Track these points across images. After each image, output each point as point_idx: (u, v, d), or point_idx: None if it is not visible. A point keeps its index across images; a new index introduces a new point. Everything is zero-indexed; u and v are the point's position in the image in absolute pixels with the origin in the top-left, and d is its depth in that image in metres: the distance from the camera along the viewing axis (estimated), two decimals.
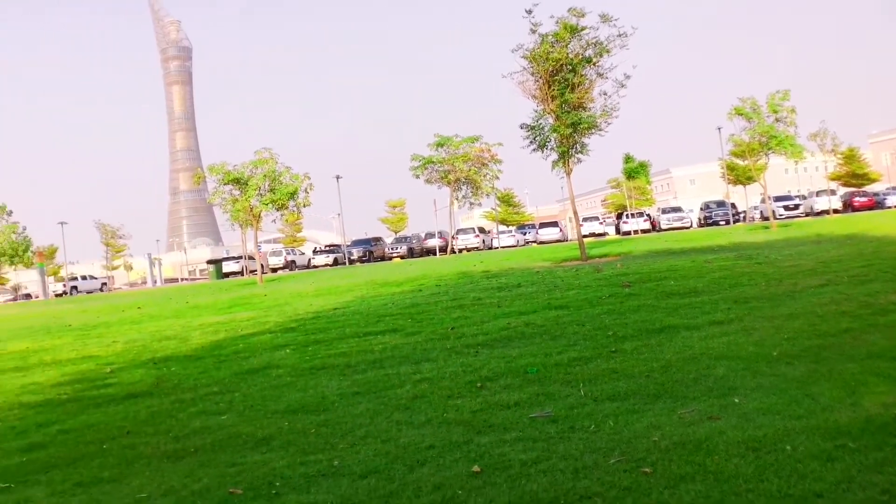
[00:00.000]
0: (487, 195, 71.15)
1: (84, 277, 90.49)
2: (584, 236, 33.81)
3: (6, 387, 12.59)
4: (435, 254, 71.42)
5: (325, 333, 15.00)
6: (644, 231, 69.90)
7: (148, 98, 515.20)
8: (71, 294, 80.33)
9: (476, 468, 5.71)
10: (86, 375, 12.94)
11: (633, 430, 6.30)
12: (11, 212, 74.85)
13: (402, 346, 12.22)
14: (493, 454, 6.04)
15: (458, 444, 6.42)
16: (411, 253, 74.92)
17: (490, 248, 72.90)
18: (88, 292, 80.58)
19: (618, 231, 75.20)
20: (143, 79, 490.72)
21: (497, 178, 68.50)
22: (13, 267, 79.17)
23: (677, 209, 77.52)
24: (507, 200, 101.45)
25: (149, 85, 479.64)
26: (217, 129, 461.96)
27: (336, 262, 74.11)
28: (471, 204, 71.62)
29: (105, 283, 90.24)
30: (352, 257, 74.36)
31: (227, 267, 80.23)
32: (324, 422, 7.79)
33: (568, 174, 31.40)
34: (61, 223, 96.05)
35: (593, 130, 30.10)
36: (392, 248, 77.55)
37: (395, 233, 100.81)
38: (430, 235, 79.75)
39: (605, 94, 30.21)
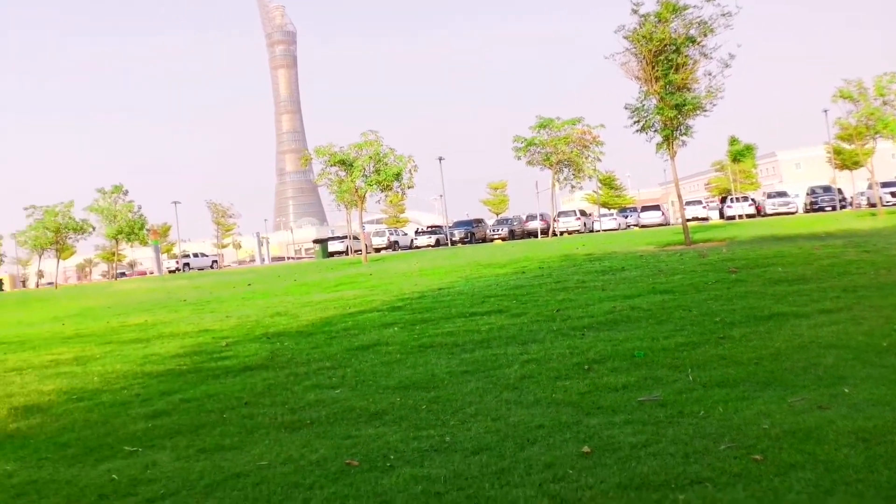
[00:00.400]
0: (589, 177, 70.29)
1: (196, 255, 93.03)
2: (688, 220, 33.13)
3: (129, 357, 13.14)
4: (536, 236, 71.12)
5: (431, 313, 15.14)
6: (749, 216, 68.22)
7: (255, 81, 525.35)
8: (183, 270, 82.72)
9: (586, 449, 5.71)
10: (203, 348, 13.40)
11: (742, 416, 6.22)
12: (127, 191, 77.12)
13: (509, 327, 12.24)
14: (603, 436, 6.04)
15: (568, 425, 6.43)
16: (512, 235, 74.66)
17: (591, 231, 72.23)
18: (200, 269, 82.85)
19: (721, 215, 73.53)
20: (249, 63, 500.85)
21: (599, 160, 67.49)
22: (130, 244, 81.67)
23: (783, 194, 75.33)
24: (608, 183, 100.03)
25: (255, 69, 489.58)
26: (322, 112, 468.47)
27: (438, 243, 74.38)
28: (572, 186, 70.89)
29: (215, 261, 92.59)
30: (453, 238, 74.52)
31: (333, 246, 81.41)
32: (434, 398, 7.89)
33: (672, 156, 30.86)
34: (174, 202, 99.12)
35: (698, 112, 29.52)
36: (493, 230, 77.36)
37: (497, 214, 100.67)
38: (531, 217, 79.35)
39: (709, 74, 29.54)
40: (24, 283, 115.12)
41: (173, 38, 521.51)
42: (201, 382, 10.05)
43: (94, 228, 76.43)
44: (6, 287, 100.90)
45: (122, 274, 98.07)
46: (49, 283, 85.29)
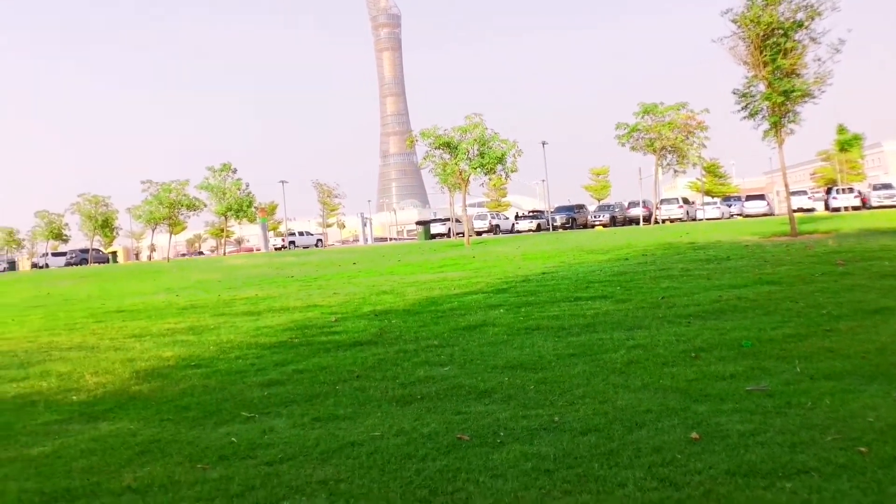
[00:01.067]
0: (693, 165, 68.91)
1: (301, 233, 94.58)
2: (793, 211, 32.24)
3: (242, 328, 13.52)
4: (638, 223, 70.19)
5: (535, 296, 15.15)
6: (854, 208, 65.80)
7: (360, 64, 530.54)
8: (289, 248, 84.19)
9: (694, 435, 5.68)
10: (313, 322, 13.69)
11: (848, 409, 6.08)
12: (236, 169, 78.89)
13: (614, 313, 12.17)
14: (710, 423, 5.99)
15: (675, 411, 6.39)
16: (613, 222, 73.75)
17: (693, 220, 70.82)
18: (304, 247, 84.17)
19: (826, 207, 71.07)
20: (355, 46, 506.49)
21: (703, 146, 66.16)
22: (238, 221, 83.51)
23: (888, 186, 72.43)
24: (712, 171, 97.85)
25: (360, 52, 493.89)
26: (425, 94, 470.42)
27: (539, 228, 74.10)
28: (675, 172, 69.65)
29: (320, 240, 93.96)
30: (555, 224, 74.10)
31: (435, 228, 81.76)
32: (542, 379, 7.90)
33: (780, 144, 30.08)
34: (282, 182, 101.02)
35: (806, 99, 28.66)
36: (595, 216, 76.59)
37: (598, 200, 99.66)
38: (633, 204, 78.28)
39: (818, 60, 28.65)
40: (136, 255, 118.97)
41: (280, 24, 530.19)
42: (313, 355, 10.28)
43: (205, 205, 78.46)
44: (120, 259, 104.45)
45: (230, 250, 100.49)
46: (164, 258, 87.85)
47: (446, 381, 8.10)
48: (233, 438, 6.48)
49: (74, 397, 8.71)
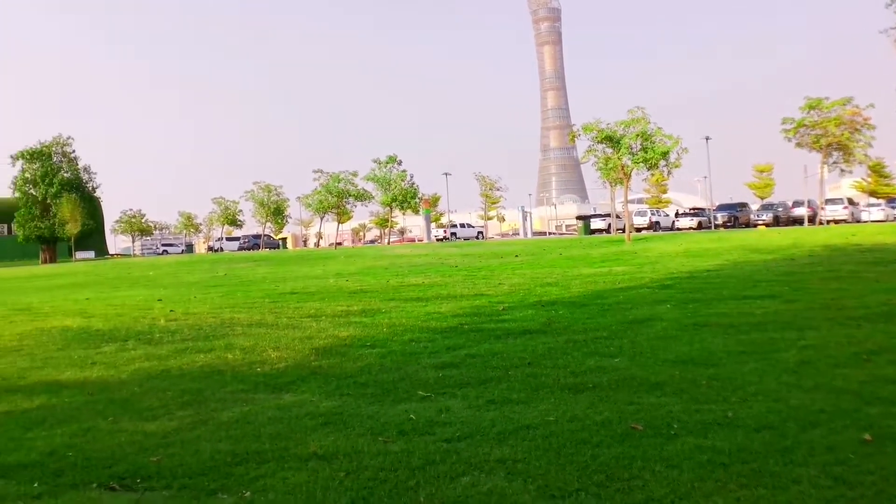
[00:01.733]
0: (860, 163, 65.38)
1: (462, 225, 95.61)
2: None
3: (412, 313, 13.82)
4: (801, 223, 67.43)
5: (701, 293, 14.84)
6: None
7: (521, 58, 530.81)
8: (450, 239, 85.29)
9: (867, 436, 5.51)
10: (481, 310, 13.84)
11: None
12: (401, 161, 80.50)
13: (783, 312, 11.79)
14: (883, 425, 5.79)
15: (848, 412, 6.19)
16: (777, 221, 71.07)
17: (857, 222, 67.38)
18: (465, 239, 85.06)
19: None
20: (515, 40, 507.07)
21: (870, 145, 62.66)
22: (402, 212, 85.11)
23: None
24: (877, 170, 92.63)
25: (521, 45, 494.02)
26: (586, 88, 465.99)
27: (700, 226, 72.26)
28: (842, 170, 66.23)
29: (481, 232, 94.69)
30: (716, 222, 72.19)
31: (595, 224, 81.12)
32: (713, 375, 7.75)
33: None
34: (445, 174, 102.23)
35: None
36: (757, 215, 73.94)
37: (761, 199, 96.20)
38: (797, 204, 75.09)
39: None
40: (304, 242, 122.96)
41: (441, 19, 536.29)
42: (484, 341, 10.41)
43: (372, 196, 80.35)
44: (289, 245, 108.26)
45: (393, 240, 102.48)
46: (331, 244, 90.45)
47: (617, 373, 8.05)
48: (411, 415, 6.65)
49: (258, 369, 9.15)
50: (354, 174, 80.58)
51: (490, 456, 5.50)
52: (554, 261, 28.11)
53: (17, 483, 5.48)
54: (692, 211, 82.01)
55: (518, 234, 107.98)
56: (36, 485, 5.41)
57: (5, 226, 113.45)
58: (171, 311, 16.06)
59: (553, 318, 12.23)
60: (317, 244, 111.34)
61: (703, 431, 5.87)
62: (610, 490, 4.81)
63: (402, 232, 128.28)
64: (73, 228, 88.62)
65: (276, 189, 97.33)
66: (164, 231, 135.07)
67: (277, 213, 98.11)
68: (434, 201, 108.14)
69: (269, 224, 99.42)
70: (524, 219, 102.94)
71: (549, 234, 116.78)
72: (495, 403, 6.98)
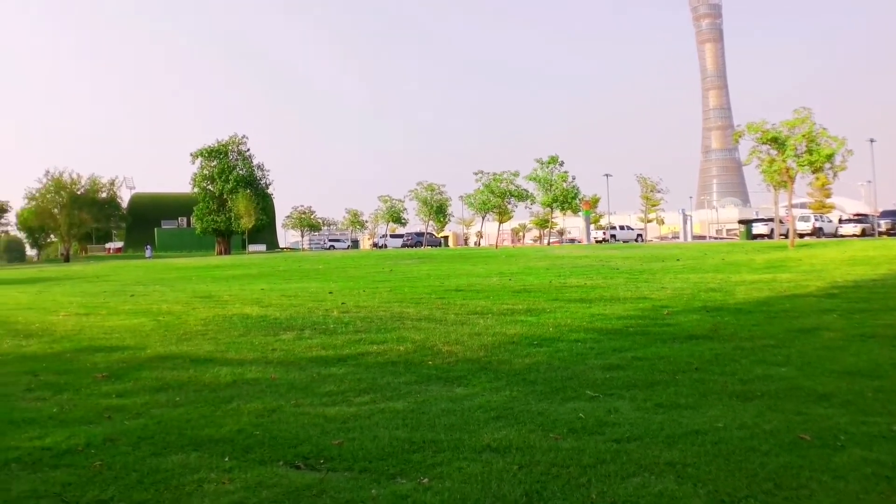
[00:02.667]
0: None
1: (622, 227, 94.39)
2: None
3: (576, 314, 13.85)
4: None
5: (867, 303, 14.33)
6: None
7: (680, 56, 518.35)
8: (610, 241, 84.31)
9: None
10: (645, 314, 13.74)
11: None
12: (563, 162, 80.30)
13: None
14: None
15: None
16: None
17: None
18: (625, 241, 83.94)
19: None
20: (675, 37, 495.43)
21: None
22: (562, 213, 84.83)
23: None
24: None
25: (681, 43, 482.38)
26: (748, 87, 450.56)
27: (863, 233, 68.66)
28: None
29: (640, 235, 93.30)
30: (879, 229, 68.48)
31: (756, 228, 78.50)
32: (879, 387, 7.53)
33: None
34: (606, 175, 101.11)
35: None
36: None
37: None
38: None
39: None
40: (465, 241, 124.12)
41: (601, 19, 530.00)
42: (650, 344, 10.36)
43: (533, 196, 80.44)
44: (450, 243, 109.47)
45: (552, 241, 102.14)
46: (491, 244, 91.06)
47: (784, 382, 7.90)
48: (580, 414, 6.73)
49: (430, 362, 9.42)
50: (515, 174, 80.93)
51: (660, 459, 5.52)
52: (716, 265, 27.47)
53: (210, 456, 5.87)
54: (856, 217, 78.21)
55: (678, 237, 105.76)
56: (227, 459, 5.78)
57: (185, 219, 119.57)
58: (343, 303, 16.62)
59: (719, 324, 12.02)
60: (477, 243, 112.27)
61: (868, 443, 5.77)
62: (778, 498, 4.79)
63: (561, 233, 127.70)
64: (247, 223, 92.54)
65: (439, 188, 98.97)
66: (331, 227, 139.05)
67: (440, 211, 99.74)
68: (594, 202, 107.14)
69: (431, 222, 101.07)
70: (684, 222, 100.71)
71: (710, 238, 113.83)
72: (663, 407, 6.98)
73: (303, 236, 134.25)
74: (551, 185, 79.58)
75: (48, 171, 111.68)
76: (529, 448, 5.82)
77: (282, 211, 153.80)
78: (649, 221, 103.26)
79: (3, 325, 14.09)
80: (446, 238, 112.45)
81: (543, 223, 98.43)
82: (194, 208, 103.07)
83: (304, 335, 11.95)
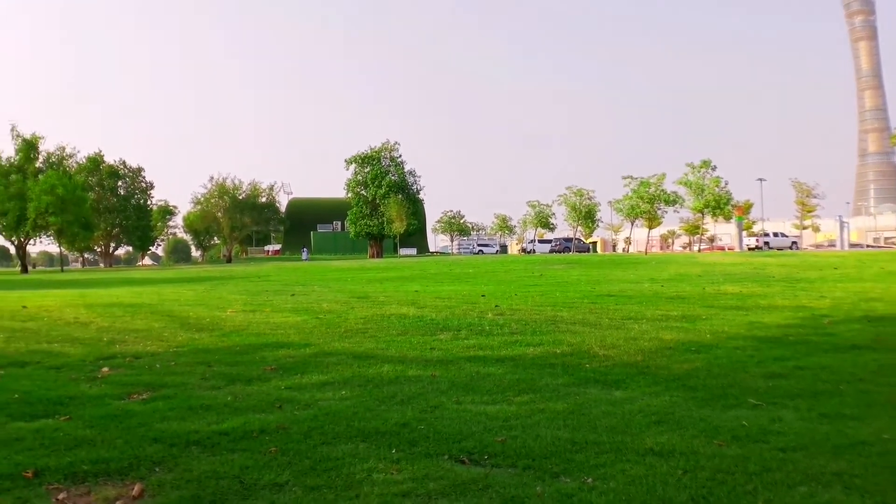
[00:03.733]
0: None
1: (776, 234, 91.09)
2: None
3: (733, 321, 13.57)
4: None
5: None
6: None
7: (834, 54, 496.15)
8: (763, 249, 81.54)
9: None
10: (804, 322, 13.34)
11: None
12: (715, 166, 78.15)
13: None
14: None
15: None
16: None
17: None
18: (778, 249, 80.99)
19: None
20: (826, 36, 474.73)
21: None
22: (714, 218, 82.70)
23: None
24: None
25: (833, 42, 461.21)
26: None
27: None
28: None
29: (795, 243, 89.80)
30: None
31: None
32: None
33: None
34: (760, 179, 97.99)
35: None
36: None
37: None
38: None
39: None
40: (613, 247, 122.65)
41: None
42: (811, 354, 10.07)
43: (683, 201, 78.73)
44: (598, 249, 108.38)
45: (703, 247, 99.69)
46: (639, 250, 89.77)
47: None
48: (743, 422, 6.63)
49: (587, 365, 9.44)
50: (662, 177, 79.41)
51: (826, 468, 5.41)
52: (876, 275, 26.27)
53: (378, 447, 6.08)
54: None
55: (833, 245, 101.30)
56: (394, 451, 5.98)
57: (339, 223, 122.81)
58: (497, 306, 16.77)
59: (881, 335, 11.57)
60: (626, 249, 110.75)
61: None
62: None
63: (711, 239, 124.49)
64: (398, 227, 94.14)
65: (587, 193, 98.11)
66: (480, 232, 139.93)
67: (588, 217, 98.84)
68: (747, 208, 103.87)
69: (579, 228, 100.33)
70: (841, 229, 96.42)
71: (865, 246, 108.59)
72: (828, 417, 6.80)
73: (452, 241, 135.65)
74: (703, 190, 77.61)
75: (212, 177, 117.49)
76: (693, 453, 5.78)
77: (432, 215, 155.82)
78: (804, 228, 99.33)
79: (177, 319, 14.83)
80: (594, 244, 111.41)
81: (694, 229, 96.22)
82: (348, 213, 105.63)
83: (461, 336, 12.15)
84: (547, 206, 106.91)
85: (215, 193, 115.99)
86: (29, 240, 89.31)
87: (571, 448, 5.95)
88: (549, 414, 7.01)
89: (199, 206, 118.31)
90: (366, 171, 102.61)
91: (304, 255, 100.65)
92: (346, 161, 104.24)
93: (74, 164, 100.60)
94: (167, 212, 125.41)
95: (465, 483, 5.22)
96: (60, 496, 5.11)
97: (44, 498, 5.08)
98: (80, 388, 8.39)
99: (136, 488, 5.20)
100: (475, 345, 11.15)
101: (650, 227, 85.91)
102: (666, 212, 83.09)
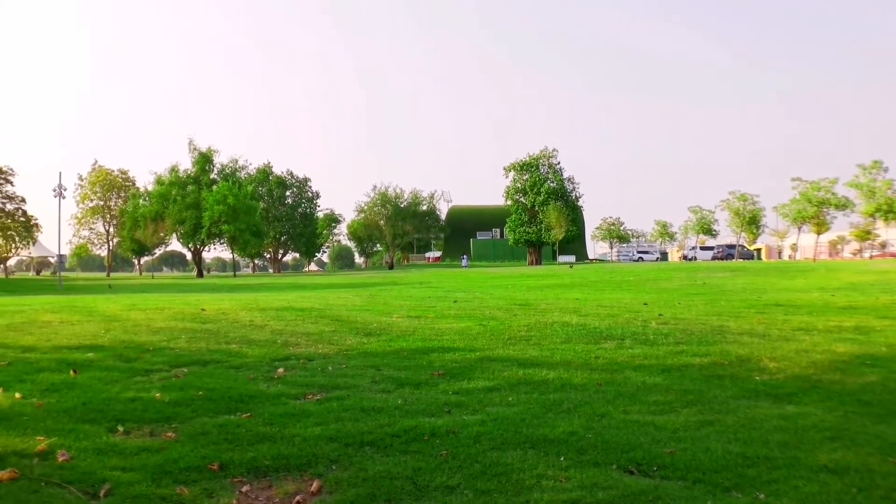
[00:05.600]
0: None
1: None
2: None
3: None
4: None
5: None
6: None
7: None
8: None
9: None
10: None
11: None
12: (888, 168, 74.21)
13: None
14: None
15: None
16: None
17: None
18: None
19: None
20: None
21: None
22: (885, 223, 78.56)
23: None
24: None
25: None
26: None
27: None
28: None
29: None
30: None
31: None
32: None
33: None
34: None
35: None
36: None
37: None
38: None
39: None
40: (779, 253, 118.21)
41: None
42: None
43: (853, 205, 75.28)
44: (763, 256, 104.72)
45: (874, 254, 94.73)
46: (807, 258, 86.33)
47: None
48: None
49: (757, 377, 9.22)
50: (834, 181, 76.06)
51: None
52: None
53: (546, 454, 6.15)
54: None
55: None
56: (562, 458, 6.04)
57: (498, 230, 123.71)
58: (660, 314, 16.52)
59: None
60: (792, 256, 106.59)
61: None
62: None
63: (883, 245, 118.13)
64: (557, 234, 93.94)
65: (751, 198, 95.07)
66: (639, 239, 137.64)
67: (752, 222, 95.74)
68: None
69: (743, 234, 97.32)
70: None
71: None
72: None
73: (611, 247, 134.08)
74: (874, 193, 73.87)
75: (375, 186, 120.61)
76: (868, 471, 5.62)
77: (591, 222, 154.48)
78: None
79: (345, 324, 15.26)
80: (759, 250, 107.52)
81: (864, 235, 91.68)
82: (507, 220, 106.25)
83: (625, 344, 12.04)
84: (709, 211, 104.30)
85: (378, 202, 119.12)
86: (204, 247, 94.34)
87: (743, 462, 5.86)
88: (718, 427, 6.92)
89: (362, 215, 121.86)
90: (524, 178, 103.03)
91: (464, 262, 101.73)
92: (504, 169, 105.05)
93: (245, 175, 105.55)
94: (332, 220, 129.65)
95: (634, 494, 5.24)
96: (244, 489, 5.45)
97: (229, 490, 5.40)
98: (259, 387, 8.82)
99: (315, 484, 5.49)
100: (640, 354, 11.03)
101: (818, 233, 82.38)
102: (835, 217, 79.63)
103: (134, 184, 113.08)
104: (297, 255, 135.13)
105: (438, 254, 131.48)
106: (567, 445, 6.36)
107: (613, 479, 5.53)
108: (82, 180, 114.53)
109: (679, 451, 6.14)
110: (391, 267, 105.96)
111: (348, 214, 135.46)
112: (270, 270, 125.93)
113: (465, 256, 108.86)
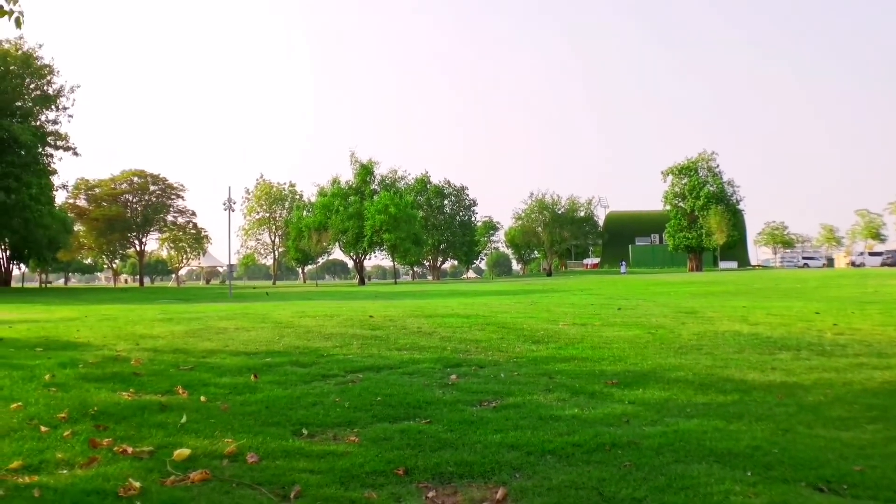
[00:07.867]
0: None
1: None
2: None
3: None
4: None
5: None
6: None
7: None
8: None
9: None
10: None
11: None
12: None
13: None
14: None
15: None
16: None
17: None
18: None
19: None
20: None
21: None
22: None
23: None
24: None
25: None
26: None
27: None
28: None
29: None
30: None
31: None
32: None
33: None
34: None
35: None
36: None
37: None
38: None
39: None
40: None
41: None
42: None
43: None
44: None
45: None
46: None
47: None
48: None
49: None
50: None
51: None
52: None
53: (732, 469, 5.94)
54: None
55: None
56: (749, 473, 5.82)
57: (657, 235, 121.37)
58: (835, 324, 15.86)
59: None
60: None
61: None
62: None
63: None
64: (718, 239, 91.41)
65: None
66: (804, 244, 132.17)
67: None
68: None
69: None
70: None
71: None
72: None
73: (775, 253, 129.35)
74: None
75: (532, 193, 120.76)
76: None
77: (753, 227, 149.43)
78: None
79: (512, 331, 15.34)
80: None
81: None
82: (666, 225, 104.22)
83: (801, 356, 11.62)
84: (877, 214, 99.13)
85: (535, 208, 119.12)
86: (366, 255, 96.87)
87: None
88: (826, 441, 6.63)
89: (519, 222, 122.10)
90: (683, 182, 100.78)
91: (623, 269, 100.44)
92: (662, 173, 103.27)
93: (404, 185, 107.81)
94: (490, 227, 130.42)
95: None
96: (430, 494, 5.48)
97: (415, 495, 5.45)
98: (435, 393, 8.92)
99: (500, 492, 5.49)
100: (818, 366, 10.61)
101: None
102: None
103: (301, 196, 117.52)
104: (456, 262, 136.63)
105: (596, 260, 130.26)
106: (752, 460, 6.16)
107: (804, 497, 5.33)
108: (248, 193, 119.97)
109: (868, 469, 5.87)
110: (549, 274, 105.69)
111: (505, 221, 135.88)
112: (429, 277, 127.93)
113: (623, 263, 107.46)
